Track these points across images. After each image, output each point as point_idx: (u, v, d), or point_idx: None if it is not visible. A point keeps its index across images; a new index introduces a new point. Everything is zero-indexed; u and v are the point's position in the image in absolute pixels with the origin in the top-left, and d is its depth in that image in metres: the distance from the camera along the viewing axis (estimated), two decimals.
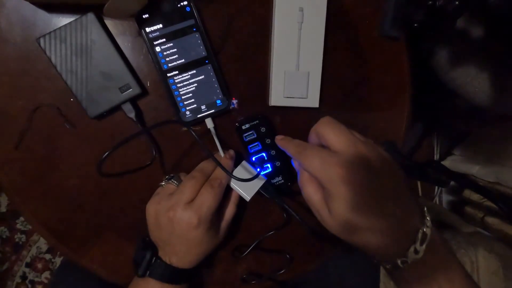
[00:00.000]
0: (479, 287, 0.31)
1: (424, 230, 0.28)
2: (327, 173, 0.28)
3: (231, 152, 0.42)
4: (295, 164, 0.36)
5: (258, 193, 0.41)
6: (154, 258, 0.38)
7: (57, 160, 0.41)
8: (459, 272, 0.30)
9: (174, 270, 0.38)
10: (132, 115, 0.40)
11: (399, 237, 0.28)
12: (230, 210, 0.41)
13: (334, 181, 0.27)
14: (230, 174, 0.38)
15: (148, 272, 0.38)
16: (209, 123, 0.42)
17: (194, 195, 0.37)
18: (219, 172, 0.39)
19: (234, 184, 0.40)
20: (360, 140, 0.29)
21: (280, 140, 0.37)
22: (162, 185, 0.41)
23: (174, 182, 0.40)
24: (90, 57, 0.38)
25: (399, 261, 0.29)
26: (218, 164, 0.38)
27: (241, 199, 0.41)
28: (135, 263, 0.39)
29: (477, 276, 0.61)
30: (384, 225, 0.28)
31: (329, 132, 0.30)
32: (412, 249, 0.28)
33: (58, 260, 1.13)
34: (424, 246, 0.28)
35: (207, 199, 0.36)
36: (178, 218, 0.36)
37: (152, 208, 0.38)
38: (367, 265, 0.56)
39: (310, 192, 0.31)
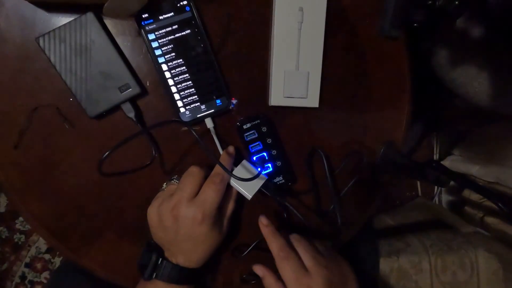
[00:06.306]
0: None
1: None
2: None
3: (230, 149, 0.42)
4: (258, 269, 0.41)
5: (259, 192, 0.41)
6: (160, 259, 0.38)
7: (56, 160, 0.41)
8: None
9: (181, 270, 0.38)
10: (131, 115, 0.40)
11: None
12: (230, 206, 0.41)
13: None
14: (230, 174, 0.38)
15: (154, 274, 0.38)
16: (209, 123, 0.42)
17: (195, 190, 0.37)
18: (219, 168, 0.39)
19: (235, 183, 0.40)
20: (325, 261, 0.37)
21: (265, 227, 0.39)
22: (163, 188, 0.40)
23: (176, 182, 0.40)
24: (89, 57, 0.38)
25: None
26: (219, 164, 0.38)
27: (241, 197, 0.41)
28: (140, 267, 0.39)
29: (477, 277, 0.61)
30: None
31: (301, 250, 0.38)
32: None
33: (57, 260, 1.12)
34: None
35: (210, 195, 0.36)
36: (183, 215, 0.36)
37: (154, 210, 0.38)
38: (366, 266, 0.56)
39: None
